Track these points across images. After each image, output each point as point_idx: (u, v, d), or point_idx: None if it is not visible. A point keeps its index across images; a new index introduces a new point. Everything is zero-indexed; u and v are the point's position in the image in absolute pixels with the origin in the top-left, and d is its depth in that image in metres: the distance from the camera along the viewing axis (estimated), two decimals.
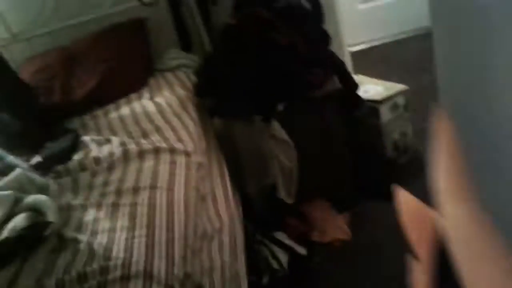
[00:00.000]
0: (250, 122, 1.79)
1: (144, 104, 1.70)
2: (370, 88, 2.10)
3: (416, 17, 2.96)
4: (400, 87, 2.08)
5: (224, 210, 1.45)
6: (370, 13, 3.08)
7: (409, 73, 2.63)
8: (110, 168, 1.36)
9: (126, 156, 1.38)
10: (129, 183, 1.27)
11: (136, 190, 1.24)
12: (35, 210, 1.16)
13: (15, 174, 1.28)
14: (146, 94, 1.85)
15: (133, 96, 1.87)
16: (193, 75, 1.94)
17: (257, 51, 1.80)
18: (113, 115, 1.71)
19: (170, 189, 1.24)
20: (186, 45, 2.19)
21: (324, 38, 1.98)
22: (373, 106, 2.02)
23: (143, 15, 2.17)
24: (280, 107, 1.83)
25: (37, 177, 1.34)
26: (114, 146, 1.43)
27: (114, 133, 1.52)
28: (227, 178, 1.61)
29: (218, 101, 1.87)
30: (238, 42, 1.84)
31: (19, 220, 1.11)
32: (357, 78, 2.09)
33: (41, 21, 2.17)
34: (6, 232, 1.10)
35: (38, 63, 2.10)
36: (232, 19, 1.89)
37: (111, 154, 1.39)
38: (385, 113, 2.01)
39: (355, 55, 2.69)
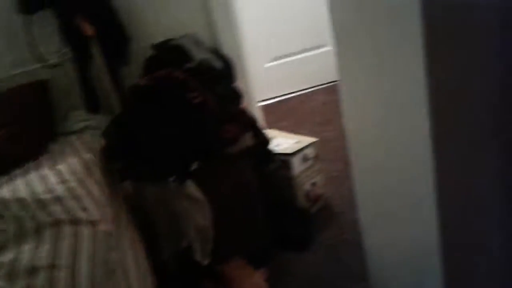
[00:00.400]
0: (163, 184, 1.73)
1: (42, 173, 1.56)
2: (282, 141, 2.16)
3: (321, 73, 3.17)
4: (309, 139, 2.17)
5: (136, 282, 1.34)
6: (278, 69, 3.24)
7: (317, 125, 2.77)
8: (1, 248, 1.21)
9: (20, 232, 1.24)
10: (24, 264, 1.14)
11: (32, 271, 1.11)
12: None
13: None
14: (46, 162, 1.71)
15: (30, 165, 1.72)
16: (101, 137, 1.85)
17: (169, 110, 1.78)
18: (5, 189, 1.53)
19: (72, 267, 1.13)
20: (93, 107, 2.11)
21: (236, 95, 2.03)
22: (285, 159, 2.07)
23: (45, 76, 2.07)
24: (194, 165, 1.81)
25: None
26: (7, 221, 1.28)
27: (6, 207, 1.36)
28: (139, 246, 1.51)
29: (128, 164, 1.79)
30: (149, 102, 1.81)
31: None
32: (269, 132, 2.15)
33: None
34: None
35: None
36: (143, 79, 1.86)
37: (1, 232, 1.24)
38: (297, 165, 2.07)
39: (265, 109, 2.78)
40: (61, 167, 1.60)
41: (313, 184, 2.16)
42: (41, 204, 1.39)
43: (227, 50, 2.22)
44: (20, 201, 1.40)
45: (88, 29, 2.01)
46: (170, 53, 2.07)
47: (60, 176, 1.52)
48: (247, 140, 1.94)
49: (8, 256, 1.17)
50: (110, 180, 1.68)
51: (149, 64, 2.09)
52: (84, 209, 1.37)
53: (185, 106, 1.78)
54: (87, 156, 1.71)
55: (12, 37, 2.07)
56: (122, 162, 1.81)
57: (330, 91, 2.96)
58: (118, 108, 2.10)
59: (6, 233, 1.26)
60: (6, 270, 1.13)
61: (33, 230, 1.26)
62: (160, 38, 2.09)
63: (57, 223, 1.28)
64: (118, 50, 2.14)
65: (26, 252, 1.18)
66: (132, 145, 1.76)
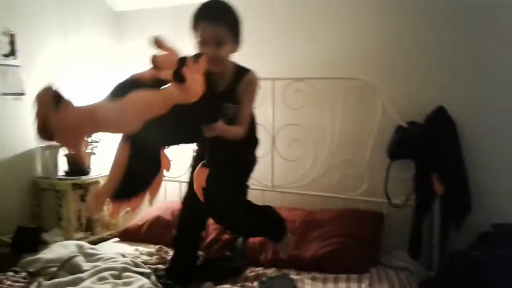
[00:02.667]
0: None
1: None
2: None
3: None
4: None
5: None
6: None
7: None
8: None
9: None
10: None
11: None
12: None
13: None
14: (365, 280, 1.97)
15: (352, 276, 2.02)
16: (415, 283, 1.98)
17: None
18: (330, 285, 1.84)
19: None
20: (415, 252, 2.28)
21: None
22: None
23: (385, 211, 2.42)
24: None
25: None
26: None
27: None
28: None
29: None
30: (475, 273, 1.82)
31: None
32: None
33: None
34: None
35: (284, 214, 2.49)
36: (475, 251, 1.92)
37: None
38: None
39: None
40: None
41: None
42: None
43: None
44: None
45: (439, 188, 2.24)
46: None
47: None
48: None
49: None
50: None
51: (483, 239, 2.13)
52: None
53: None
54: None
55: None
56: None
57: None
58: (435, 266, 2.20)
59: None
60: None
61: None
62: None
63: None
64: (457, 215, 2.28)
65: None
66: None
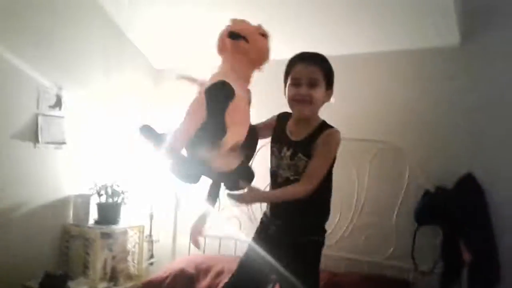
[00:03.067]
0: None
1: None
2: None
3: None
4: None
5: None
6: None
7: None
8: None
9: None
10: None
11: None
12: None
13: None
14: None
15: None
16: None
17: None
18: None
19: None
20: None
21: None
22: None
23: (410, 278, 2.37)
24: None
25: None
26: None
27: None
28: None
29: None
30: None
31: None
32: None
33: None
34: None
35: None
36: None
37: None
38: None
39: None
40: None
41: None
42: None
43: None
44: None
45: (467, 255, 2.21)
46: None
47: None
48: None
49: None
50: None
51: None
52: None
53: None
54: None
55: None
56: None
57: None
58: None
59: None
60: None
61: None
62: None
63: None
64: (486, 284, 2.22)
65: None
66: None
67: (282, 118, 1.78)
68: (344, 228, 2.60)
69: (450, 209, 2.28)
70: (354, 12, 2.46)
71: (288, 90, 1.67)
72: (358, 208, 2.58)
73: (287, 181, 1.65)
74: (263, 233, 1.73)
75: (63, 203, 2.83)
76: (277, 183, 1.70)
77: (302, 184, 1.56)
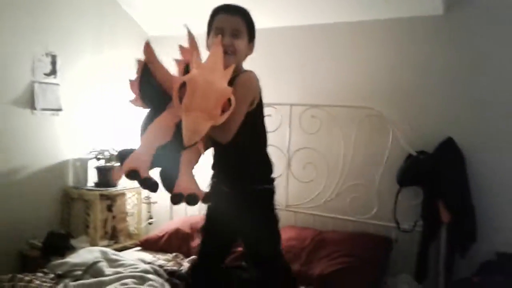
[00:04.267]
0: None
1: None
2: None
3: None
4: None
5: None
6: None
7: None
8: None
9: None
10: None
11: None
12: None
13: None
14: None
15: None
16: None
17: None
18: None
19: None
20: (419, 277, 2.36)
21: None
22: None
23: (393, 235, 2.51)
24: None
25: None
26: None
27: None
28: None
29: None
30: None
31: None
32: None
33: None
34: None
35: (295, 232, 2.62)
36: (476, 277, 2.00)
37: None
38: None
39: None
40: None
41: None
42: None
43: None
44: None
45: (445, 216, 2.33)
46: None
47: None
48: None
49: None
50: None
51: (486, 267, 2.20)
52: None
53: None
54: None
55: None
56: None
57: None
58: None
59: None
60: None
61: None
62: None
63: None
64: (462, 243, 2.35)
65: None
66: None
67: None
68: (331, 190, 2.72)
69: (431, 172, 2.38)
70: None
71: (211, 40, 1.65)
72: (344, 171, 2.69)
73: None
74: (215, 195, 1.70)
75: (62, 167, 2.96)
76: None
77: (223, 131, 1.50)
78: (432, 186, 2.40)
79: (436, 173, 2.36)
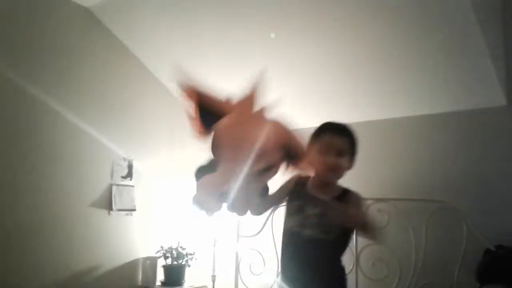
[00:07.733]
0: None
1: None
2: None
3: None
4: None
5: None
6: None
7: None
8: None
9: None
10: None
11: None
12: None
13: None
14: None
15: None
16: None
17: None
18: None
19: None
20: None
21: None
22: None
23: None
24: None
25: None
26: None
27: None
28: None
29: None
30: None
31: None
32: None
33: None
34: None
35: None
36: None
37: None
38: None
39: None
40: None
41: None
42: None
43: None
44: None
45: None
46: None
47: None
48: None
49: None
50: None
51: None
52: None
53: None
54: None
55: None
56: None
57: None
58: None
59: None
60: None
61: None
62: None
63: None
64: None
65: None
66: None
67: (299, 179, 1.86)
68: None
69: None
70: (406, 76, 2.62)
71: (314, 155, 1.75)
72: (417, 269, 2.56)
73: (311, 240, 1.70)
74: None
75: (133, 265, 3.05)
76: (299, 242, 1.74)
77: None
78: None
79: None
